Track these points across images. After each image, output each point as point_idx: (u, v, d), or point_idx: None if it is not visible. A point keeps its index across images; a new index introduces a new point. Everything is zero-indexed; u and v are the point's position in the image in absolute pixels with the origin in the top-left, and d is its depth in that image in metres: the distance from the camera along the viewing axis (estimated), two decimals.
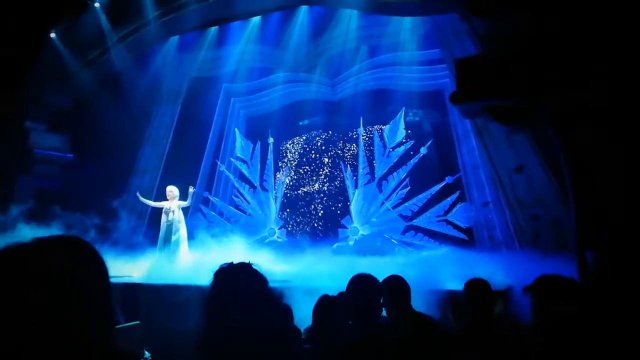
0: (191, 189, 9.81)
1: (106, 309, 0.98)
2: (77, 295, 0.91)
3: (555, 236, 7.73)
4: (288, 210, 12.38)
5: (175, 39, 12.03)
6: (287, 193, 12.49)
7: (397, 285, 3.23)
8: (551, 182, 7.85)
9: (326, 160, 12.33)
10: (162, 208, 9.80)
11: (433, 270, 6.86)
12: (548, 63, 5.49)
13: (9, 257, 0.91)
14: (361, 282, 2.75)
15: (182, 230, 9.68)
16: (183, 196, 9.86)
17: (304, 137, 12.73)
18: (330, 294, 3.07)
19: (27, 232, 8.51)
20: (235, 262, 1.79)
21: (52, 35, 10.57)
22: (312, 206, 12.18)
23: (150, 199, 10.41)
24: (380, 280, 3.02)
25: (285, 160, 12.78)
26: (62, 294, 0.88)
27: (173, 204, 9.71)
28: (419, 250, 10.19)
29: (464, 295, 3.65)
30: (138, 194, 10.07)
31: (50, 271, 0.89)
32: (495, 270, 6.44)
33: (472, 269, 6.21)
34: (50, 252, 0.94)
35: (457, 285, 6.27)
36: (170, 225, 9.57)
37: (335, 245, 10.72)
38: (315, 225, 12.01)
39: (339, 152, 12.23)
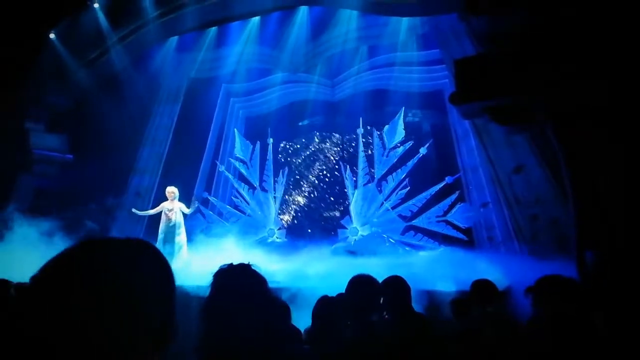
0: (195, 202, 9.94)
1: (167, 325, 0.92)
2: (147, 301, 0.86)
3: (554, 236, 7.72)
4: (287, 210, 12.37)
5: (174, 39, 12.02)
6: (286, 193, 12.48)
7: (397, 286, 3.23)
8: (550, 182, 7.84)
9: (325, 160, 12.32)
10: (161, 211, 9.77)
11: (426, 271, 6.86)
12: (546, 63, 5.49)
13: (86, 253, 0.84)
14: (360, 283, 2.75)
15: (182, 235, 9.66)
16: (182, 198, 9.83)
17: (303, 138, 12.72)
18: (329, 295, 3.07)
19: (26, 231, 8.51)
20: (234, 263, 1.78)
21: (52, 35, 10.57)
22: (311, 206, 12.17)
23: (149, 199, 10.34)
24: (380, 281, 3.01)
25: (285, 161, 12.77)
26: (132, 300, 0.82)
27: (174, 205, 9.67)
28: (417, 251, 10.19)
29: (469, 295, 3.64)
30: (134, 209, 9.95)
31: (121, 273, 0.84)
32: (494, 270, 6.44)
33: (471, 270, 6.22)
34: (127, 254, 0.89)
35: (450, 286, 6.29)
36: (171, 227, 9.49)
37: (334, 246, 10.71)
38: (315, 225, 11.99)
39: (339, 152, 12.23)
